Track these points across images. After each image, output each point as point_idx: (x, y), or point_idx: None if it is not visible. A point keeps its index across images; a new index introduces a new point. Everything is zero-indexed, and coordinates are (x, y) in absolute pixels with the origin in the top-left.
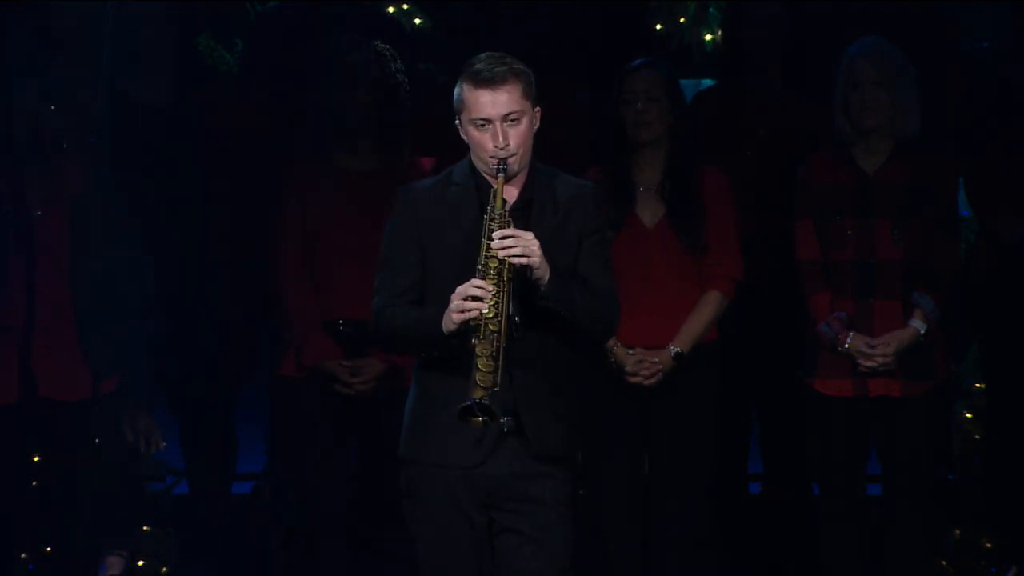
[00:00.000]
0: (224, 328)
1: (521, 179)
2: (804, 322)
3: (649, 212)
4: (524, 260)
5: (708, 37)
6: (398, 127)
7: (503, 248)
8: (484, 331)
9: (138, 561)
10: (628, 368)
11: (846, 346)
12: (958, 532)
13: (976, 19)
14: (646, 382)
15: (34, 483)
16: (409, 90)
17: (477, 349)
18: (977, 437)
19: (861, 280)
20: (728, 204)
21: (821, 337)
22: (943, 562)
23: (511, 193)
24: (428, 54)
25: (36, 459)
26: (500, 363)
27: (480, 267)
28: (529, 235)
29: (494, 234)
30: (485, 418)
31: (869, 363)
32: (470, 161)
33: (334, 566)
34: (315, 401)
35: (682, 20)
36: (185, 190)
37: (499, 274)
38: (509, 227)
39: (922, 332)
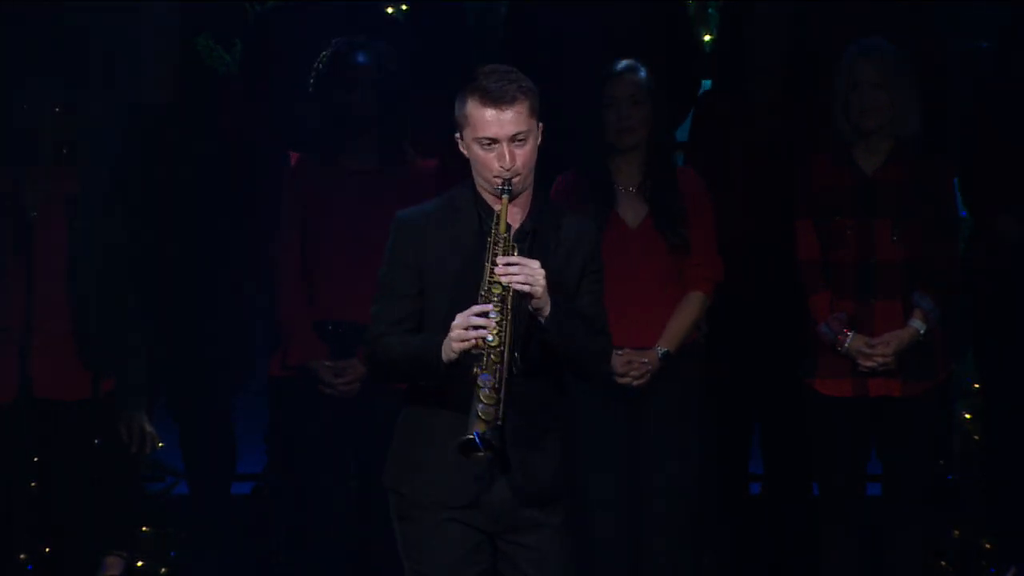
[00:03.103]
0: (222, 328)
1: (524, 204)
2: (804, 322)
3: (632, 213)
4: (528, 288)
5: (708, 37)
6: (399, 127)
7: (507, 275)
8: (487, 361)
9: (138, 561)
10: (618, 369)
11: (846, 346)
12: (958, 532)
13: (976, 19)
14: (635, 383)
15: (33, 483)
16: (410, 90)
17: (479, 380)
18: (977, 437)
19: (861, 280)
20: (706, 205)
21: (821, 337)
22: (943, 562)
23: (514, 217)
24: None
25: (36, 459)
26: (503, 395)
27: (483, 293)
28: (535, 263)
29: (499, 259)
30: (487, 453)
31: (869, 363)
32: (472, 184)
33: (334, 566)
34: (304, 401)
35: None
36: (184, 190)
37: (503, 301)
38: (514, 252)
39: (922, 332)
